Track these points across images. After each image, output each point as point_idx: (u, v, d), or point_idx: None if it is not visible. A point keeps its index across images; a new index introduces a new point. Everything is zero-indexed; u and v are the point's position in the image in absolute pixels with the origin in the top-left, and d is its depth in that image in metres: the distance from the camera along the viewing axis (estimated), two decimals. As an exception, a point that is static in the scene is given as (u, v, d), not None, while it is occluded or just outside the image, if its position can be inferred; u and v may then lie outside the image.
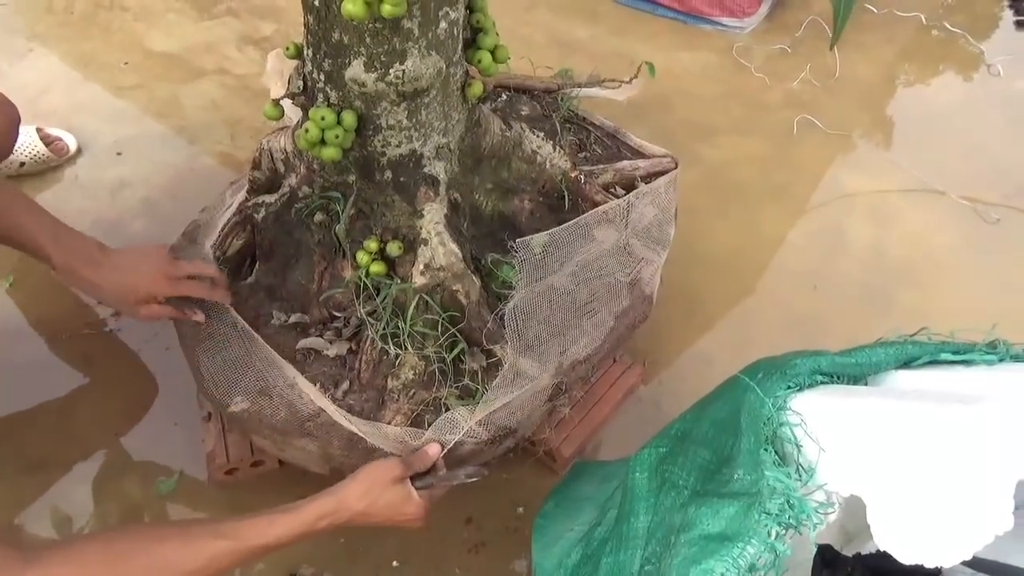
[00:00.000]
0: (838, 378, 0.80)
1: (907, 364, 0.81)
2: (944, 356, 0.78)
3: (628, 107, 2.45)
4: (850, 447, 0.71)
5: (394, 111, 1.16)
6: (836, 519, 0.73)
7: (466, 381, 1.27)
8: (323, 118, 1.12)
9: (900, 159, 2.40)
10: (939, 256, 2.15)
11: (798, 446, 0.73)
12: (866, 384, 0.84)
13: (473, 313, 1.26)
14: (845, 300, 2.03)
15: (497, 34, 1.27)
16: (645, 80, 1.73)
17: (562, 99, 1.68)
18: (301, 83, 1.19)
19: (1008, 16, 3.02)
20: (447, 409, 1.24)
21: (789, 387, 0.75)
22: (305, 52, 1.17)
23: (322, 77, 1.16)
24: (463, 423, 1.19)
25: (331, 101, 1.17)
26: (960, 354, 0.78)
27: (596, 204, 1.53)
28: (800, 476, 0.72)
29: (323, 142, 1.14)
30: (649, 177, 1.63)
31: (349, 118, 1.15)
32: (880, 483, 0.68)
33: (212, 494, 1.53)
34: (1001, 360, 0.79)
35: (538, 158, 1.46)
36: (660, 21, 2.81)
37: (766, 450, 0.71)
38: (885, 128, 2.52)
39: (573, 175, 1.50)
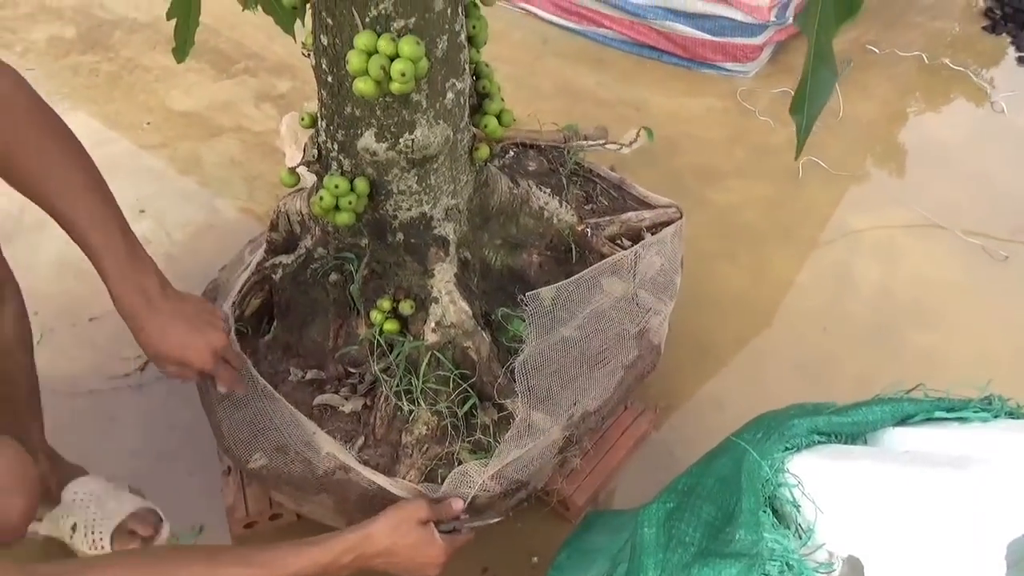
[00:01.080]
0: (836, 437, 0.83)
1: (904, 421, 0.84)
2: (938, 414, 0.80)
3: (636, 152, 2.51)
4: (847, 509, 0.73)
5: (405, 177, 1.21)
6: (837, 578, 0.75)
7: (478, 435, 1.30)
8: (336, 186, 1.17)
9: (906, 197, 2.42)
10: (947, 295, 2.17)
11: (796, 507, 0.75)
12: (865, 441, 0.87)
13: (484, 368, 1.30)
14: (855, 341, 2.04)
15: (503, 98, 1.32)
16: (632, 134, 1.77)
17: (568, 153, 1.73)
18: (316, 152, 1.25)
19: (1011, 52, 3.07)
20: (460, 463, 1.26)
21: (787, 448, 0.78)
22: (319, 123, 1.22)
23: (335, 146, 1.21)
24: (476, 477, 1.21)
25: (344, 169, 1.22)
26: (954, 411, 0.80)
27: (603, 256, 1.57)
28: (800, 537, 0.74)
29: (337, 208, 1.19)
30: (655, 227, 1.67)
31: (362, 185, 1.20)
32: (877, 545, 0.70)
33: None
34: (996, 417, 0.81)
35: (545, 213, 1.50)
36: (665, 67, 2.87)
37: (765, 511, 0.73)
38: (890, 167, 2.55)
39: (580, 228, 1.55)
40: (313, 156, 1.25)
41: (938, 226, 2.34)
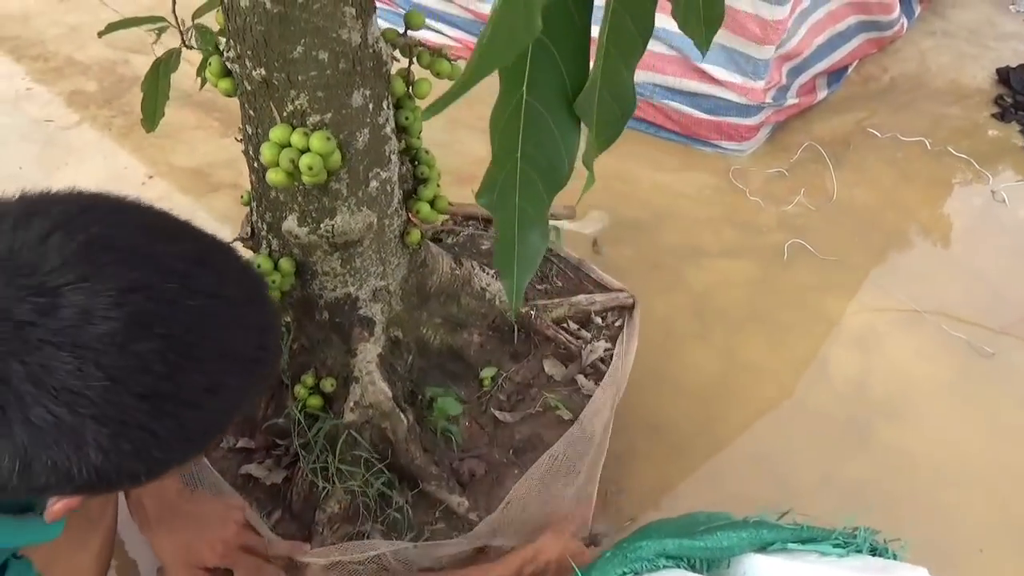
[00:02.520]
0: (688, 561, 0.81)
1: (763, 549, 0.82)
2: (792, 546, 0.78)
3: (619, 226, 2.53)
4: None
5: (328, 259, 1.24)
6: None
7: (393, 514, 1.30)
8: (259, 266, 1.21)
9: (893, 287, 2.38)
10: (926, 390, 2.11)
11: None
12: (728, 566, 0.85)
13: (401, 450, 1.30)
14: (821, 434, 1.99)
15: (439, 184, 1.35)
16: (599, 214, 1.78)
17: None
18: (249, 229, 1.29)
19: (1018, 141, 3.03)
20: (370, 544, 1.26)
21: (624, 572, 0.77)
22: (252, 203, 1.27)
23: (264, 227, 1.25)
24: (376, 547, 1.21)
25: (272, 248, 1.26)
26: (812, 542, 0.78)
27: (547, 338, 1.57)
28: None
29: (261, 287, 1.22)
30: (605, 312, 1.67)
31: (286, 265, 1.23)
32: None
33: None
34: (858, 551, 0.78)
35: (487, 294, 1.52)
36: (661, 143, 2.90)
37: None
38: (880, 254, 2.51)
39: (523, 310, 1.56)
40: (247, 233, 1.29)
41: (923, 317, 2.29)
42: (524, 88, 0.43)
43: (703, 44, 0.53)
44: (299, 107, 1.06)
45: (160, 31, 1.45)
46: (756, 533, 0.82)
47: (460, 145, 2.85)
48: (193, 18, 1.40)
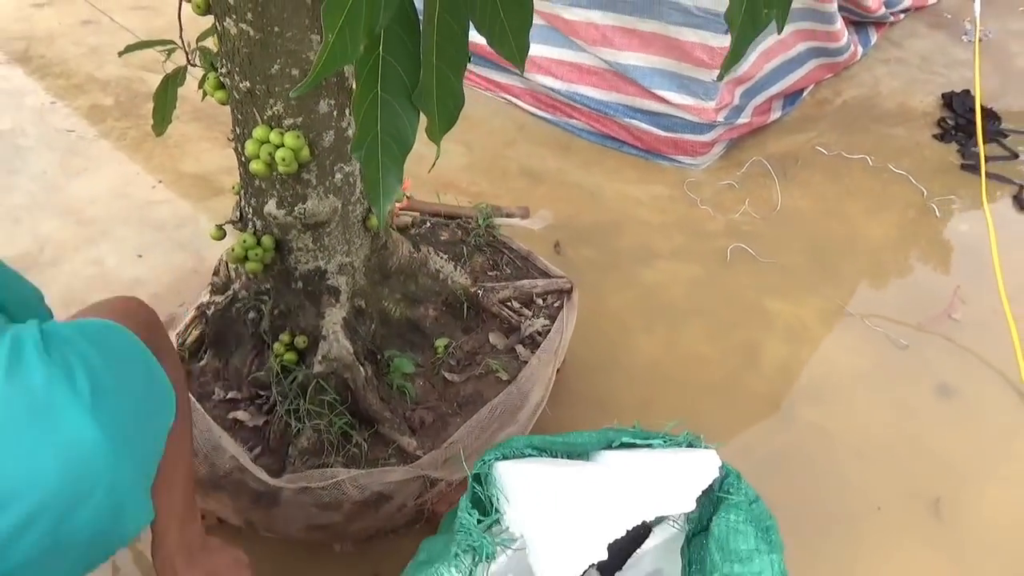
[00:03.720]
0: (551, 453, 1.07)
1: (610, 445, 1.08)
2: (627, 439, 1.05)
3: (581, 230, 2.81)
4: (525, 498, 0.98)
5: (301, 237, 1.52)
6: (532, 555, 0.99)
7: (352, 451, 1.57)
8: (244, 241, 1.49)
9: (825, 287, 2.64)
10: (846, 377, 2.36)
11: (494, 496, 1.00)
12: (587, 459, 1.11)
13: (360, 396, 1.57)
14: (748, 412, 2.25)
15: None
16: (545, 214, 2.05)
17: (477, 224, 2.02)
18: (239, 213, 1.57)
19: (955, 160, 3.29)
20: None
21: (498, 456, 1.03)
22: (241, 191, 1.55)
23: (250, 210, 1.53)
24: (341, 476, 1.47)
25: (256, 228, 1.54)
26: (641, 439, 1.04)
27: (493, 315, 1.85)
28: (496, 518, 0.99)
29: (246, 259, 1.51)
30: (546, 295, 1.94)
31: (267, 241, 1.51)
32: (535, 524, 0.95)
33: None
34: (678, 445, 1.05)
35: (441, 275, 1.80)
36: (624, 156, 3.19)
37: (464, 497, 0.98)
38: (815, 258, 2.78)
39: (472, 290, 1.83)
40: (236, 217, 1.57)
41: (849, 314, 2.55)
42: (379, 87, 0.69)
43: (517, 59, 0.79)
44: (276, 112, 1.35)
45: (169, 52, 1.74)
46: (603, 434, 1.08)
47: (444, 156, 3.13)
48: (197, 41, 1.69)
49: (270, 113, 1.35)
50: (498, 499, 1.00)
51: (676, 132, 3.04)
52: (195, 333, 1.78)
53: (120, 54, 1.79)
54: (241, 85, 1.33)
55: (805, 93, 3.58)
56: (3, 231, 2.70)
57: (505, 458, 1.04)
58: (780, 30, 0.63)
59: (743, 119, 3.15)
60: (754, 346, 2.45)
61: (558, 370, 2.13)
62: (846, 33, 3.45)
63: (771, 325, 2.52)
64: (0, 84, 3.49)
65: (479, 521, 0.97)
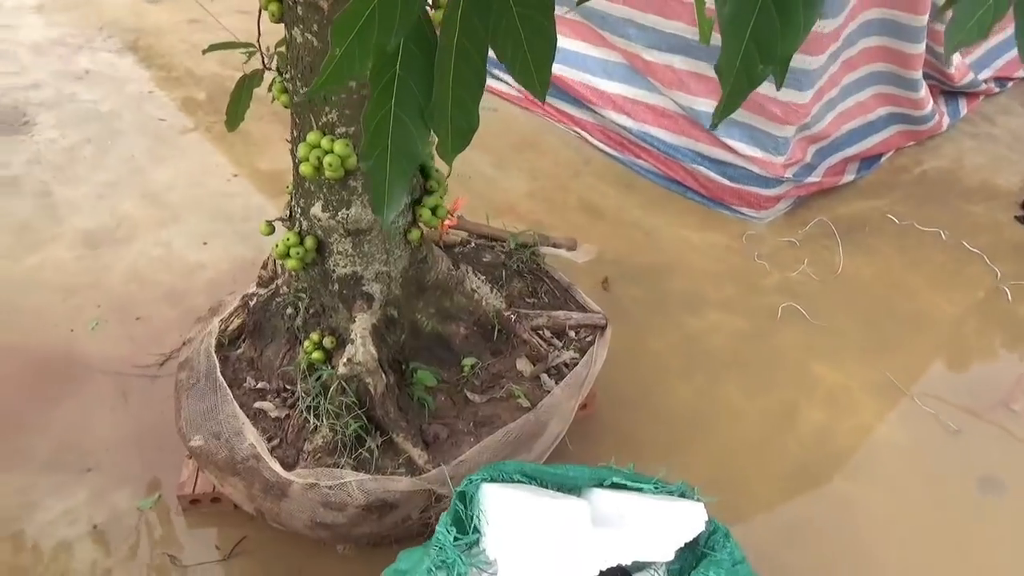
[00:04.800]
0: (541, 482, 1.08)
1: (601, 484, 1.08)
2: (617, 480, 1.04)
3: (633, 269, 2.80)
4: (506, 523, 0.99)
5: (342, 242, 1.57)
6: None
7: (364, 455, 1.60)
8: (288, 239, 1.55)
9: (877, 358, 2.56)
10: (885, 452, 2.27)
11: (475, 516, 1.01)
12: (579, 495, 1.11)
13: (378, 402, 1.60)
14: (776, 473, 2.19)
15: (442, 196, 1.67)
16: (590, 248, 2.06)
17: (514, 249, 2.04)
18: (288, 212, 1.64)
19: (1035, 244, 3.15)
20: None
21: (484, 478, 1.04)
22: (293, 191, 1.62)
23: (299, 210, 1.60)
24: (347, 478, 1.50)
25: (302, 228, 1.60)
26: (632, 481, 1.04)
27: (524, 341, 1.86)
28: (475, 539, 1.00)
29: (288, 256, 1.57)
30: (579, 328, 1.94)
31: (310, 242, 1.57)
32: (511, 550, 0.95)
33: (175, 517, 1.90)
34: (670, 493, 1.04)
35: (476, 295, 1.82)
36: (686, 202, 3.17)
37: (446, 514, 0.99)
38: (871, 327, 2.69)
39: (505, 314, 1.85)
40: (286, 215, 1.64)
41: (898, 389, 2.45)
42: (393, 102, 0.73)
43: (539, 91, 0.81)
44: (330, 119, 1.41)
45: (250, 55, 1.83)
46: (596, 472, 1.08)
47: (506, 182, 3.20)
48: (275, 47, 1.78)
49: (325, 120, 1.41)
50: (479, 520, 1.00)
51: (742, 183, 3.01)
52: (237, 321, 1.85)
53: (204, 52, 1.90)
54: (301, 91, 1.39)
55: (883, 159, 3.49)
56: (87, 205, 2.87)
57: (493, 480, 1.05)
58: (779, 86, 0.63)
59: (813, 178, 3.09)
60: (793, 408, 2.38)
61: (584, 405, 2.13)
62: (931, 102, 3.36)
63: (813, 389, 2.45)
64: (108, 70, 3.73)
65: (456, 539, 0.98)
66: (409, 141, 0.75)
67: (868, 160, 3.42)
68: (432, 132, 0.76)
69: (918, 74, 3.14)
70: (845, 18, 2.71)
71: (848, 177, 3.32)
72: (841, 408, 2.39)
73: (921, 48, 3.04)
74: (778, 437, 2.29)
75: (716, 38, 0.63)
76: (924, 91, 3.25)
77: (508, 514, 0.98)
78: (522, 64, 0.77)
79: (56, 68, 3.68)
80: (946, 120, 3.63)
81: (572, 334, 1.92)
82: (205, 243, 2.72)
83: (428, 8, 0.72)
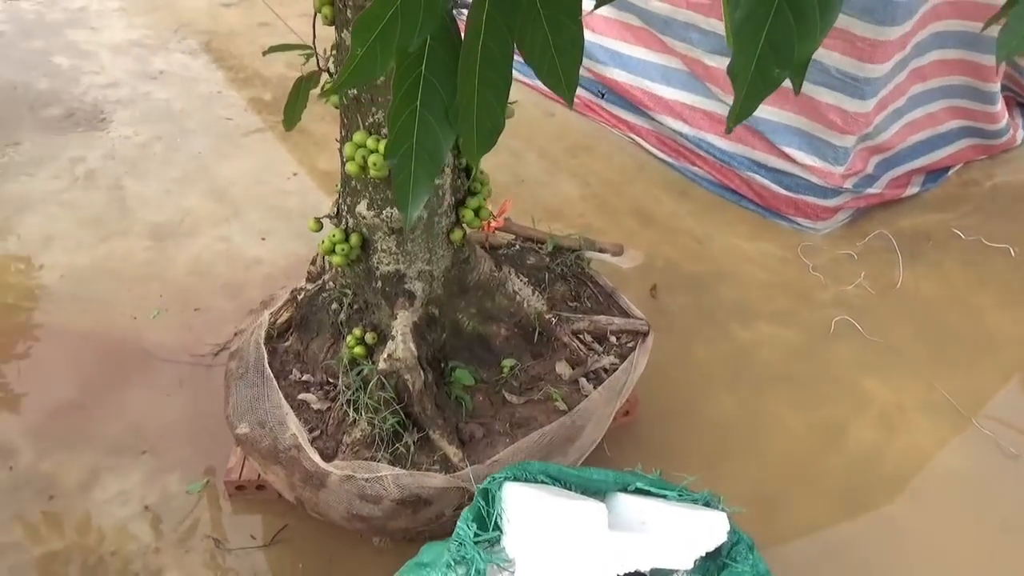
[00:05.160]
0: (564, 484, 1.08)
1: (625, 488, 1.07)
2: (641, 485, 1.04)
3: (683, 277, 2.77)
4: (527, 523, 0.99)
5: (386, 240, 1.61)
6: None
7: (400, 449, 1.62)
8: (334, 235, 1.59)
9: (935, 377, 2.47)
10: (938, 476, 2.19)
11: (497, 514, 1.02)
12: (602, 498, 1.11)
13: (416, 399, 1.63)
14: (819, 492, 2.13)
15: (486, 198, 1.69)
16: (636, 254, 2.05)
17: (556, 253, 2.05)
18: (336, 209, 1.69)
19: (1116, 264, 2.99)
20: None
21: (508, 476, 1.05)
22: (340, 189, 1.66)
23: (345, 208, 1.64)
24: (382, 472, 1.53)
25: (348, 225, 1.65)
26: (657, 488, 1.03)
27: (564, 344, 1.86)
28: (496, 536, 1.01)
29: (333, 252, 1.61)
30: (621, 333, 1.94)
31: (355, 239, 1.61)
32: (531, 550, 0.96)
33: (222, 502, 1.96)
34: (695, 502, 1.03)
35: (517, 297, 1.84)
36: (740, 210, 3.12)
37: (468, 510, 1.01)
38: (929, 345, 2.59)
39: (547, 317, 1.86)
40: (334, 212, 1.69)
41: (957, 410, 2.36)
42: (418, 102, 0.74)
43: (566, 94, 0.81)
44: (377, 120, 1.44)
45: (307, 57, 1.89)
46: (621, 476, 1.08)
47: (558, 186, 3.21)
48: (329, 50, 1.83)
49: (371, 120, 1.45)
50: (501, 518, 1.01)
51: (799, 193, 2.95)
52: (286, 315, 1.91)
53: (264, 54, 1.96)
54: (350, 92, 1.43)
55: (951, 172, 3.36)
56: (156, 199, 3.00)
57: (517, 480, 1.05)
58: (797, 91, 0.62)
59: (874, 189, 3.01)
60: (841, 425, 2.32)
61: (627, 412, 2.12)
62: (1006, 115, 3.22)
63: (865, 406, 2.38)
64: (181, 71, 3.89)
65: (477, 536, 0.99)
66: (434, 141, 0.77)
67: (935, 173, 3.30)
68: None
69: (996, 86, 3.02)
70: (914, 25, 2.62)
71: (912, 190, 3.21)
72: (894, 428, 2.32)
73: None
74: (824, 455, 2.23)
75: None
76: (1000, 104, 3.12)
77: (529, 514, 0.99)
78: (549, 67, 0.78)
79: (133, 68, 3.86)
80: (1020, 134, 3.48)
81: (613, 339, 1.91)
82: (263, 239, 2.81)
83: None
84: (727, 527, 1.01)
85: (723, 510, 1.04)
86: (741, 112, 0.63)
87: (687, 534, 0.97)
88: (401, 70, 0.71)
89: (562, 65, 0.79)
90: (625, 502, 1.05)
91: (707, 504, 1.04)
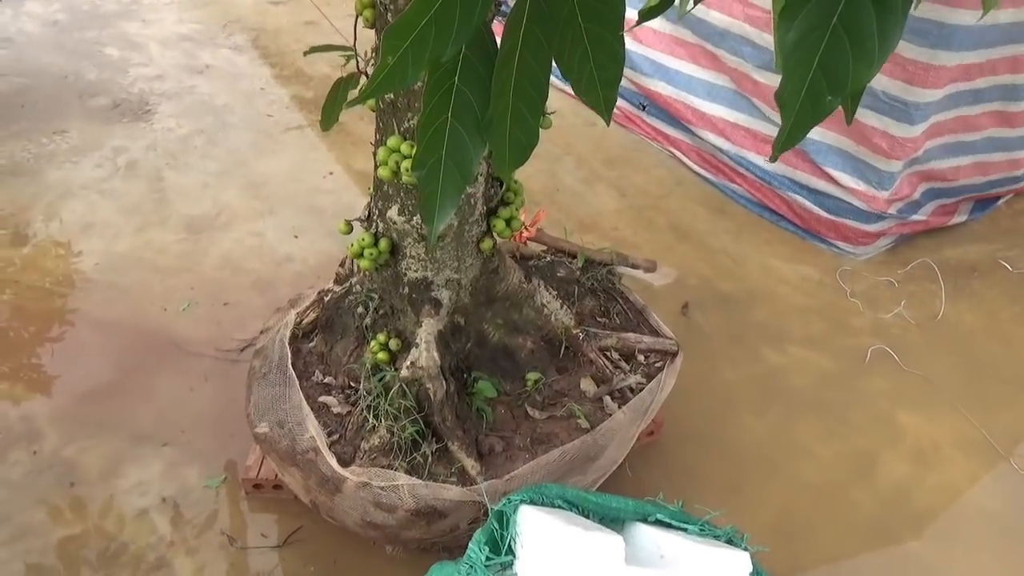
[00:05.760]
0: (582, 510, 1.05)
1: (645, 519, 1.04)
2: (662, 517, 1.00)
3: (716, 296, 2.72)
4: (541, 550, 0.96)
5: (415, 246, 1.59)
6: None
7: (417, 459, 1.60)
8: (363, 239, 1.58)
9: (973, 414, 2.38)
10: (972, 517, 2.11)
11: (510, 537, 0.99)
12: (622, 528, 1.08)
13: (436, 408, 1.61)
14: (846, 526, 2.06)
15: (518, 209, 1.67)
16: (669, 271, 2.01)
17: (586, 266, 2.01)
18: (367, 213, 1.67)
19: None
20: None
21: (524, 499, 1.02)
22: (373, 193, 1.65)
23: (377, 212, 1.63)
24: (399, 481, 1.52)
25: (378, 229, 1.63)
26: (678, 520, 1.00)
27: (590, 360, 1.83)
28: (508, 561, 0.98)
29: (361, 255, 1.60)
30: (649, 352, 1.90)
31: (384, 244, 1.60)
32: None
33: (239, 499, 1.96)
34: (716, 538, 0.99)
35: (545, 310, 1.81)
36: (779, 231, 3.05)
37: (480, 531, 0.98)
38: (969, 380, 2.51)
39: (574, 331, 1.83)
40: (365, 216, 1.68)
41: (995, 450, 2.28)
42: (449, 113, 0.72)
43: (603, 110, 0.79)
44: (412, 125, 1.43)
45: (348, 58, 1.89)
46: (641, 505, 1.04)
47: (594, 197, 3.17)
48: (370, 51, 1.83)
49: (406, 126, 1.43)
50: (515, 542, 0.99)
51: (840, 216, 2.88)
52: (312, 315, 1.90)
53: (305, 54, 1.96)
54: (386, 96, 1.42)
55: (1001, 201, 3.26)
56: (194, 192, 3.03)
57: (533, 503, 1.03)
58: (849, 121, 0.59)
59: (919, 216, 2.92)
60: (872, 457, 2.25)
61: (651, 432, 2.08)
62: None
63: (898, 440, 2.31)
64: (226, 66, 3.93)
65: (489, 559, 0.96)
66: (464, 153, 0.74)
67: (983, 202, 3.20)
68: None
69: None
70: (987, 59, 2.52)
71: (959, 218, 3.12)
72: (927, 464, 2.24)
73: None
74: (852, 487, 2.16)
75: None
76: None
77: (543, 540, 0.96)
78: (587, 81, 0.75)
79: (180, 62, 3.91)
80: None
81: (641, 358, 1.88)
82: (296, 236, 2.82)
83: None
84: (749, 568, 0.97)
85: (745, 549, 1.00)
86: (787, 140, 0.59)
87: (707, 572, 0.93)
88: (433, 80, 0.69)
89: (601, 81, 0.76)
90: (644, 533, 1.01)
91: (729, 541, 1.00)
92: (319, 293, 1.90)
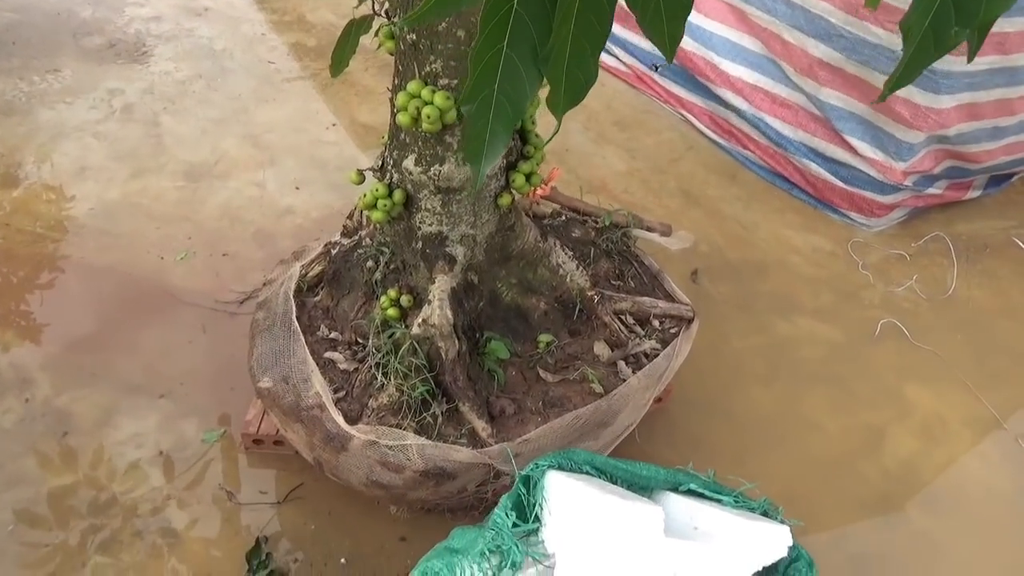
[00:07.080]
0: (611, 477, 1.00)
1: (676, 488, 0.99)
2: (695, 487, 0.96)
3: (725, 264, 2.67)
4: (569, 517, 0.92)
5: (431, 199, 1.52)
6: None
7: (427, 419, 1.56)
8: (376, 190, 1.51)
9: (982, 391, 2.36)
10: (977, 492, 2.10)
11: (538, 504, 0.94)
12: (650, 496, 1.03)
13: (448, 368, 1.56)
14: (852, 499, 2.04)
15: (538, 163, 1.60)
16: (686, 235, 1.95)
17: (606, 228, 1.95)
18: (380, 163, 1.60)
19: None
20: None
21: (552, 464, 0.97)
22: (388, 142, 1.58)
23: (391, 162, 1.55)
24: (408, 441, 1.47)
25: (393, 180, 1.56)
26: (711, 491, 0.95)
27: (604, 324, 1.78)
28: (535, 528, 0.94)
29: (375, 207, 1.53)
30: (664, 318, 1.85)
31: (398, 195, 1.53)
32: (572, 547, 0.89)
33: (237, 454, 1.91)
34: (751, 510, 0.95)
35: (560, 271, 1.75)
36: (791, 199, 2.99)
37: (507, 496, 0.93)
38: (978, 356, 2.48)
39: (589, 294, 1.77)
40: (378, 165, 1.60)
41: (1002, 427, 2.26)
42: (505, 42, 0.65)
43: (667, 46, 0.72)
44: (434, 69, 1.35)
45: (361, 1, 1.79)
46: (673, 474, 1.00)
47: (603, 159, 3.09)
48: (387, -9, 1.73)
49: (428, 69, 1.36)
50: (541, 509, 0.94)
51: (855, 186, 2.82)
52: (318, 268, 1.84)
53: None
54: (408, 36, 1.34)
55: (1015, 177, 3.21)
56: (192, 138, 2.93)
57: (561, 469, 0.98)
58: (970, 59, 0.53)
59: (934, 189, 2.87)
60: (880, 431, 2.22)
61: (658, 399, 2.03)
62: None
63: (906, 414, 2.28)
64: (226, 9, 3.80)
65: (515, 525, 0.92)
66: (518, 88, 0.68)
67: (998, 177, 3.15)
68: (544, 82, 0.69)
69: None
70: (1020, 27, 2.44)
71: (973, 193, 3.07)
72: (934, 438, 2.22)
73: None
74: (859, 460, 2.14)
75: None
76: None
77: (574, 508, 0.91)
78: (654, 12, 0.68)
79: (178, 3, 3.77)
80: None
81: (656, 323, 1.83)
82: (297, 188, 2.73)
83: None
84: (789, 542, 0.93)
85: (783, 522, 0.96)
86: (903, 76, 0.53)
87: (745, 545, 0.89)
88: (491, 2, 0.62)
89: (667, 11, 0.69)
90: (676, 503, 0.97)
91: (765, 513, 0.96)
92: (326, 245, 1.83)
